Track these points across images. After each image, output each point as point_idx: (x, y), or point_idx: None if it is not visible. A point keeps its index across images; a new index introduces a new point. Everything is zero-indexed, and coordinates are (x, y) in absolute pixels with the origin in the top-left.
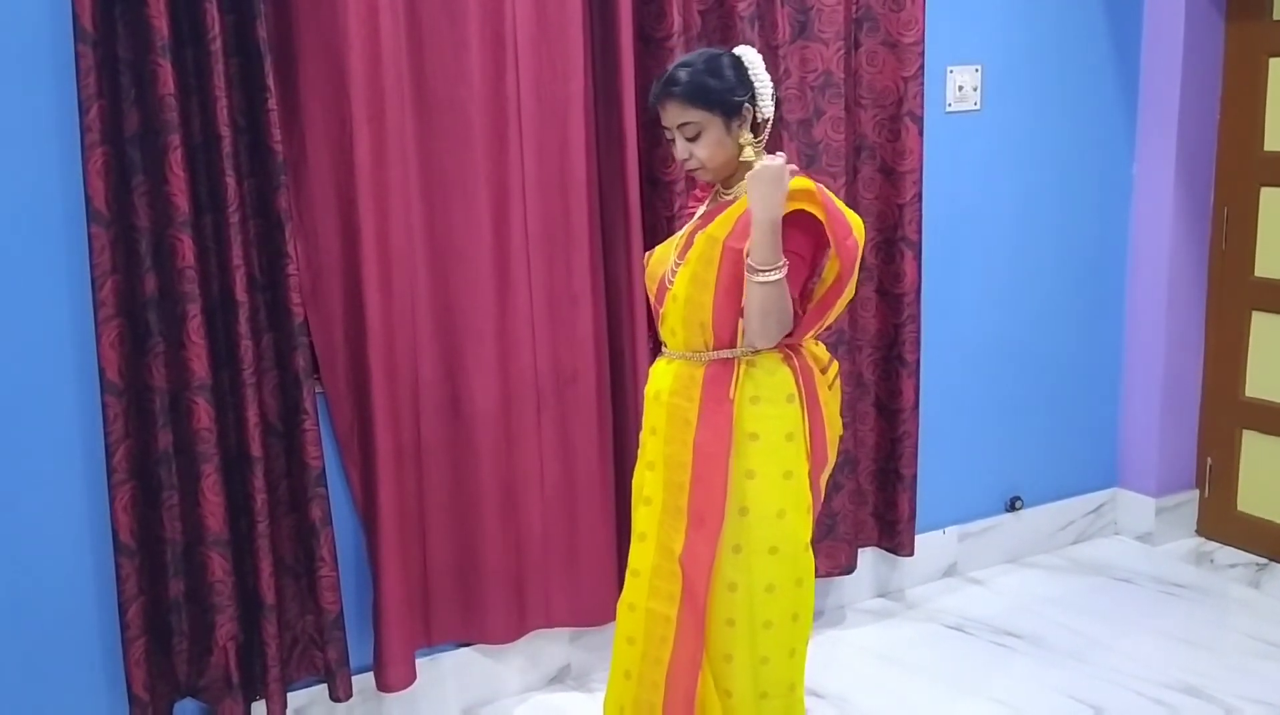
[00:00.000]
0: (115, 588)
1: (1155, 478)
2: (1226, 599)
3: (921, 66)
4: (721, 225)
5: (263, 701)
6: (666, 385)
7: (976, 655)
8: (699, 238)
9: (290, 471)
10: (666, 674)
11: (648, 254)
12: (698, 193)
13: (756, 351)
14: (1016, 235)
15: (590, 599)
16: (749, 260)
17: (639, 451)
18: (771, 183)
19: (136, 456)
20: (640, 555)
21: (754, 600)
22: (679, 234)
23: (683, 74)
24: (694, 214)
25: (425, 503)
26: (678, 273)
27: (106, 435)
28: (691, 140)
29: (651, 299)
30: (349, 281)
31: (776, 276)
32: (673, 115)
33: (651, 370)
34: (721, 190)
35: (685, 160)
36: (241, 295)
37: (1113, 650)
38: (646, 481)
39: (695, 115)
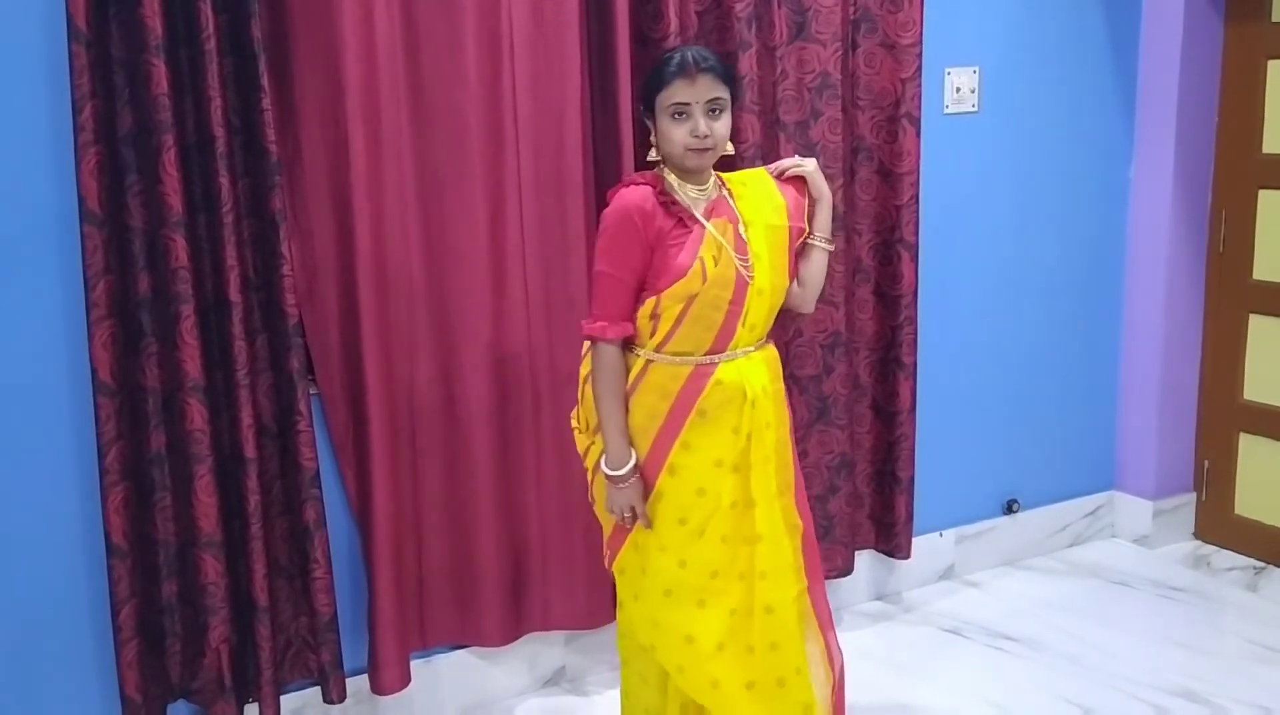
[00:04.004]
0: (108, 589)
1: (1152, 481)
2: (1223, 602)
3: (919, 68)
4: (777, 213)
5: (256, 704)
6: (765, 378)
7: (973, 658)
8: (754, 230)
9: (284, 473)
10: (824, 639)
11: (698, 263)
12: (644, 187)
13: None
14: (1014, 237)
15: (587, 602)
16: (820, 234)
17: (696, 455)
18: (821, 173)
19: (129, 457)
20: (760, 558)
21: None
22: (711, 232)
23: (705, 52)
24: (681, 214)
25: (420, 504)
26: (753, 267)
27: (99, 436)
28: (714, 118)
29: (720, 305)
30: (344, 282)
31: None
32: (704, 89)
33: (730, 373)
34: (692, 183)
35: (703, 138)
36: (235, 296)
37: (1109, 653)
38: (753, 485)
39: (723, 92)
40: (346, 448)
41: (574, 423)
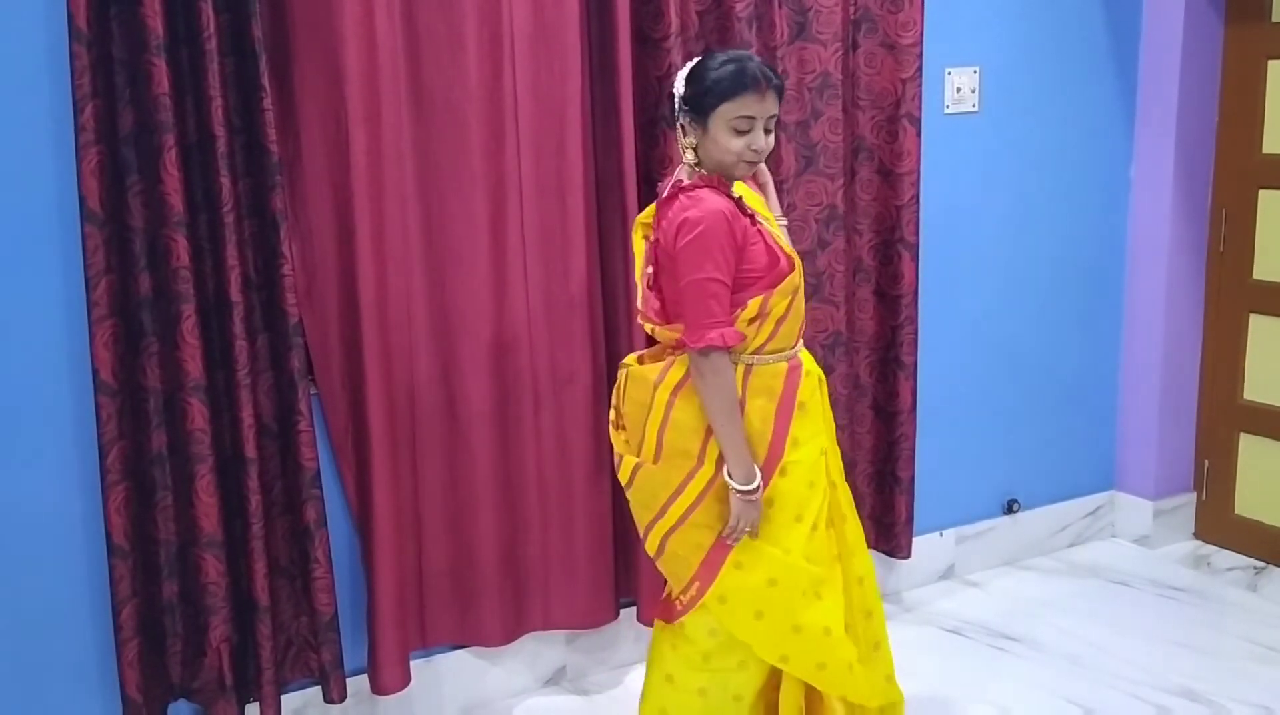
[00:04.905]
0: (109, 589)
1: (1153, 480)
2: (1223, 602)
3: (919, 68)
4: (765, 209)
5: (257, 704)
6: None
7: (973, 658)
8: (773, 227)
9: (285, 473)
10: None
11: (790, 266)
12: (716, 190)
13: None
14: (1014, 237)
15: (587, 601)
16: (777, 214)
17: (804, 448)
18: None
19: (130, 457)
20: (848, 535)
21: None
22: (771, 229)
23: (768, 68)
24: (749, 213)
25: (421, 504)
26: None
27: (100, 436)
28: (768, 133)
29: (804, 295)
30: (344, 282)
31: None
32: (770, 105)
33: (808, 361)
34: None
35: (757, 152)
36: (236, 296)
37: (1109, 653)
38: (830, 467)
39: (778, 109)
40: (346, 447)
41: (634, 456)
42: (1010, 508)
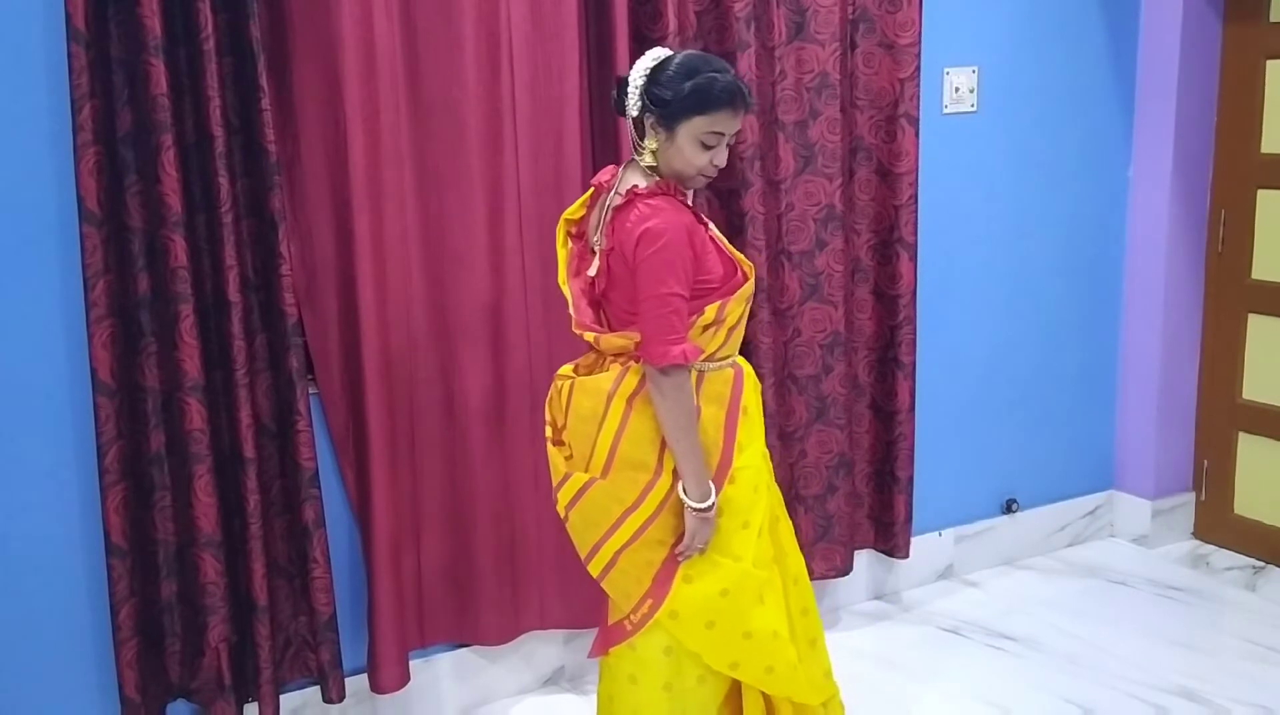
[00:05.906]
0: (107, 589)
1: (1151, 480)
2: (1222, 602)
3: (918, 68)
4: None
5: (255, 703)
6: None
7: (972, 658)
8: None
9: (284, 473)
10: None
11: (744, 276)
12: (677, 199)
13: None
14: (1013, 237)
15: (585, 601)
16: None
17: (748, 452)
18: None
19: (128, 457)
20: (781, 536)
21: None
22: (729, 246)
23: (746, 86)
24: (704, 222)
25: (420, 504)
26: None
27: (98, 436)
28: (727, 150)
29: (745, 314)
30: (343, 282)
31: None
32: (739, 123)
33: (746, 365)
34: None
35: (717, 167)
36: (235, 295)
37: (1108, 653)
38: (766, 471)
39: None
40: (346, 447)
41: (581, 472)
42: (1009, 507)
